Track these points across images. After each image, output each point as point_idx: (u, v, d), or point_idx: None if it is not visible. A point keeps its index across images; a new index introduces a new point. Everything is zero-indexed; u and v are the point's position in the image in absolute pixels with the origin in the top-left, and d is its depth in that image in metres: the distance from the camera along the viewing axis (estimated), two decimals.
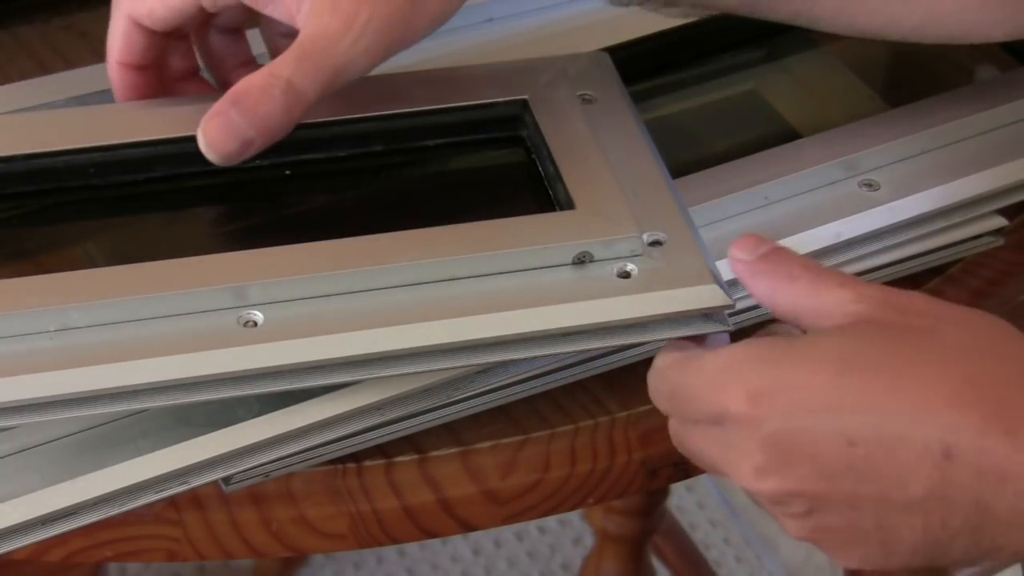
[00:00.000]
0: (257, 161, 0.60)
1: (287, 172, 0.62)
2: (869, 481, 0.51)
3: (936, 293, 0.70)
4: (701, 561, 1.42)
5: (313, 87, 0.58)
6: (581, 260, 0.58)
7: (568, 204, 0.59)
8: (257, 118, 0.57)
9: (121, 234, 0.61)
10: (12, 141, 0.60)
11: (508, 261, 0.57)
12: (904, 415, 0.51)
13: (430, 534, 0.65)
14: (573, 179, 0.60)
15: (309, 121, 0.61)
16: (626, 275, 0.58)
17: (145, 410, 0.57)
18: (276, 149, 0.59)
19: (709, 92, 0.74)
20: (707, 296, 0.58)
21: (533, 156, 0.63)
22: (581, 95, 0.64)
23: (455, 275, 0.57)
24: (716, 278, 0.58)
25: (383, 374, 0.56)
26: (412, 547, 1.53)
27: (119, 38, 0.62)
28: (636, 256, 0.58)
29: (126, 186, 0.62)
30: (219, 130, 0.58)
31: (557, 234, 0.58)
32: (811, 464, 0.52)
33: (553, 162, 0.61)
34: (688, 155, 0.64)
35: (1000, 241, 0.70)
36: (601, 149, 0.61)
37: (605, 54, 0.66)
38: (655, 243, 0.59)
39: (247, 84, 0.58)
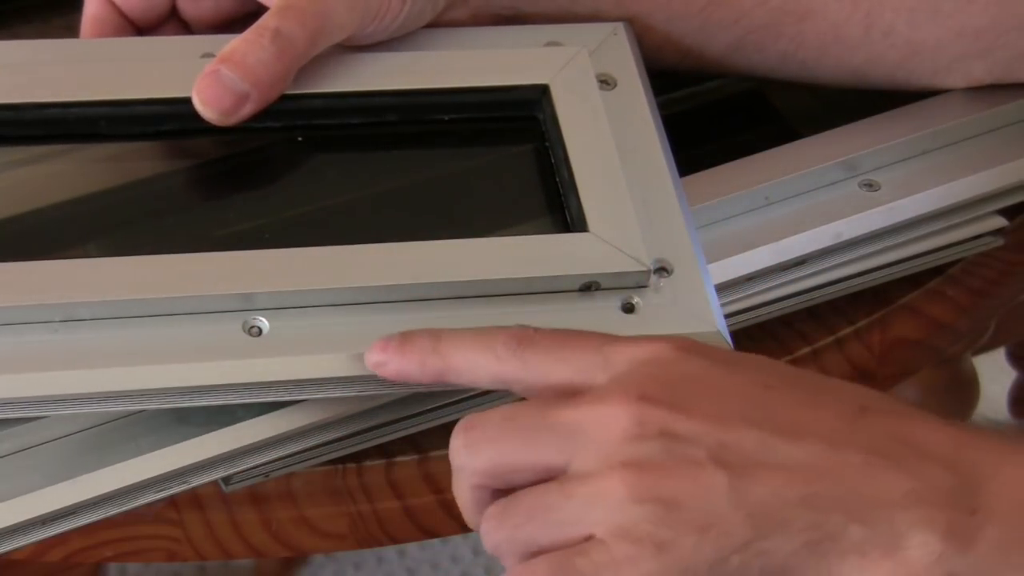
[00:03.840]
0: (268, 122, 0.60)
1: (299, 138, 0.62)
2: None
3: (936, 293, 0.71)
4: None
5: (302, 33, 0.58)
6: (588, 287, 0.58)
7: (581, 222, 0.59)
8: (248, 69, 0.58)
9: (129, 210, 0.61)
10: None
11: (518, 285, 0.57)
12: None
13: (430, 534, 0.65)
14: (588, 193, 0.60)
15: (326, 91, 0.61)
16: (630, 308, 0.58)
17: (145, 410, 0.57)
18: (287, 115, 0.59)
19: (709, 92, 0.73)
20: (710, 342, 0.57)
21: (548, 151, 0.63)
22: (601, 78, 0.64)
23: (464, 294, 0.57)
24: (719, 323, 0.58)
25: (381, 392, 0.57)
26: (412, 547, 1.53)
27: (90, 19, 0.63)
28: (642, 288, 0.58)
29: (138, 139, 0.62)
30: (212, 87, 0.58)
31: (568, 261, 0.58)
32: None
33: (569, 167, 0.60)
34: (688, 155, 0.63)
35: (1000, 241, 0.70)
36: (617, 156, 0.61)
37: (625, 25, 0.66)
38: (662, 270, 0.59)
39: (234, 42, 0.58)
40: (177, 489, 0.58)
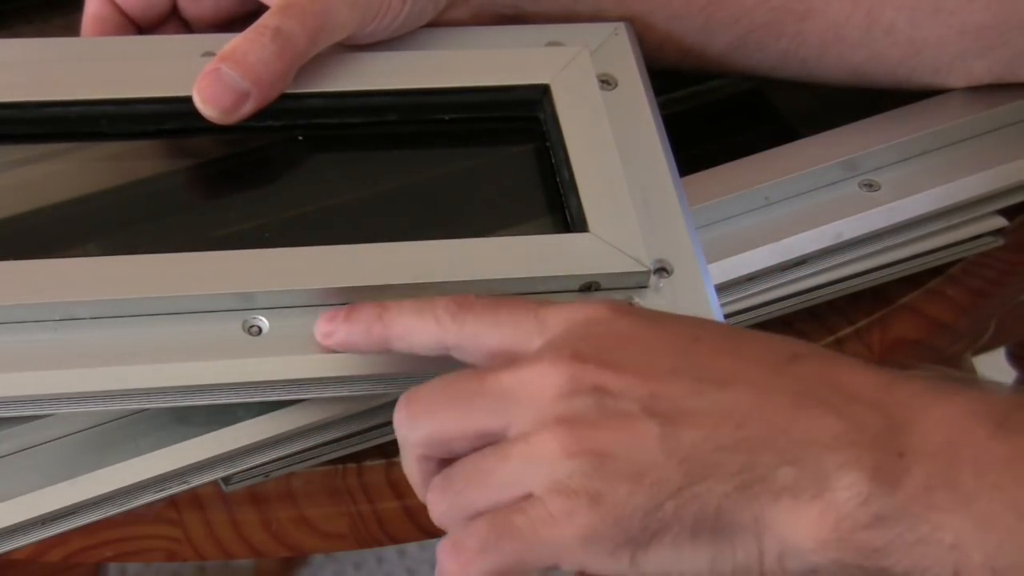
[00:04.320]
0: (269, 121, 0.60)
1: (299, 137, 0.62)
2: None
3: (936, 293, 0.71)
4: None
5: (302, 32, 0.59)
6: (588, 287, 0.58)
7: (581, 223, 0.59)
8: (249, 67, 0.58)
9: (130, 210, 0.61)
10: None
11: (518, 285, 0.57)
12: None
13: (430, 534, 0.65)
14: (588, 193, 0.60)
15: (326, 90, 0.61)
16: None
17: (145, 409, 0.57)
18: (287, 114, 0.59)
19: (709, 92, 0.73)
20: None
21: (549, 151, 0.63)
22: (602, 78, 0.64)
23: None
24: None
25: (380, 392, 0.57)
26: (412, 547, 1.53)
27: (91, 18, 0.63)
28: (642, 288, 0.58)
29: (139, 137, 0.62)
30: (212, 85, 0.58)
31: (568, 261, 0.58)
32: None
33: (569, 167, 0.60)
34: (688, 155, 0.63)
35: (1000, 241, 0.70)
36: (618, 157, 0.61)
37: (626, 25, 0.66)
38: (662, 270, 0.59)
39: (235, 41, 0.59)
40: (177, 489, 0.58)
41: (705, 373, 0.50)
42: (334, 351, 0.55)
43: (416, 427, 0.51)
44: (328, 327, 0.55)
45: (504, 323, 0.53)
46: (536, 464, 0.49)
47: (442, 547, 0.50)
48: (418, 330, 0.53)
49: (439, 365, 0.55)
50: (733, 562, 0.50)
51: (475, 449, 0.51)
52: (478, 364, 0.53)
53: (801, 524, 0.49)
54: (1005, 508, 0.48)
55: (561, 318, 0.52)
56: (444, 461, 0.52)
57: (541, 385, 0.50)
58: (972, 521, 0.48)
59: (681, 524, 0.49)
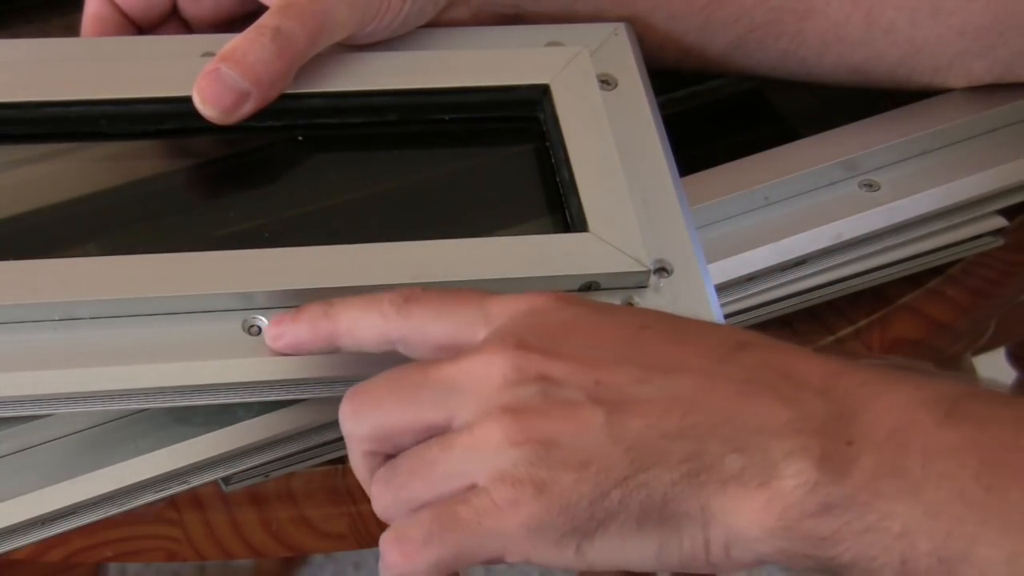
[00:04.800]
0: (269, 121, 0.60)
1: (299, 137, 0.62)
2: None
3: (936, 293, 0.71)
4: None
5: (302, 32, 0.59)
6: (588, 287, 0.58)
7: (581, 222, 0.59)
8: (248, 67, 0.58)
9: (130, 210, 0.61)
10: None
11: (518, 285, 0.57)
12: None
13: None
14: (588, 193, 0.60)
15: (326, 90, 0.61)
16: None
17: (144, 409, 0.57)
18: (287, 114, 0.59)
19: (710, 92, 0.73)
20: None
21: (549, 151, 0.63)
22: (602, 78, 0.64)
23: None
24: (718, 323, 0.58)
25: None
26: None
27: (91, 18, 0.63)
28: (642, 288, 0.58)
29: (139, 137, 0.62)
30: (212, 85, 0.58)
31: (568, 261, 0.58)
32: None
33: (569, 167, 0.61)
34: (688, 155, 0.64)
35: (1000, 241, 0.71)
36: (617, 157, 0.61)
37: (626, 26, 0.66)
38: (662, 270, 0.59)
39: (235, 41, 0.59)
40: (177, 489, 0.58)
41: (651, 361, 0.50)
42: (285, 354, 0.54)
43: (361, 422, 0.51)
44: (277, 329, 0.54)
45: (449, 315, 0.52)
46: (480, 454, 0.49)
47: (385, 539, 0.50)
48: (363, 325, 0.53)
49: None
50: (679, 551, 0.49)
51: (420, 443, 0.51)
52: (425, 358, 0.53)
53: (748, 512, 0.48)
54: (953, 497, 0.48)
55: (506, 308, 0.52)
56: (391, 457, 0.51)
57: (485, 375, 0.50)
58: (920, 509, 0.48)
59: (627, 513, 0.49)
